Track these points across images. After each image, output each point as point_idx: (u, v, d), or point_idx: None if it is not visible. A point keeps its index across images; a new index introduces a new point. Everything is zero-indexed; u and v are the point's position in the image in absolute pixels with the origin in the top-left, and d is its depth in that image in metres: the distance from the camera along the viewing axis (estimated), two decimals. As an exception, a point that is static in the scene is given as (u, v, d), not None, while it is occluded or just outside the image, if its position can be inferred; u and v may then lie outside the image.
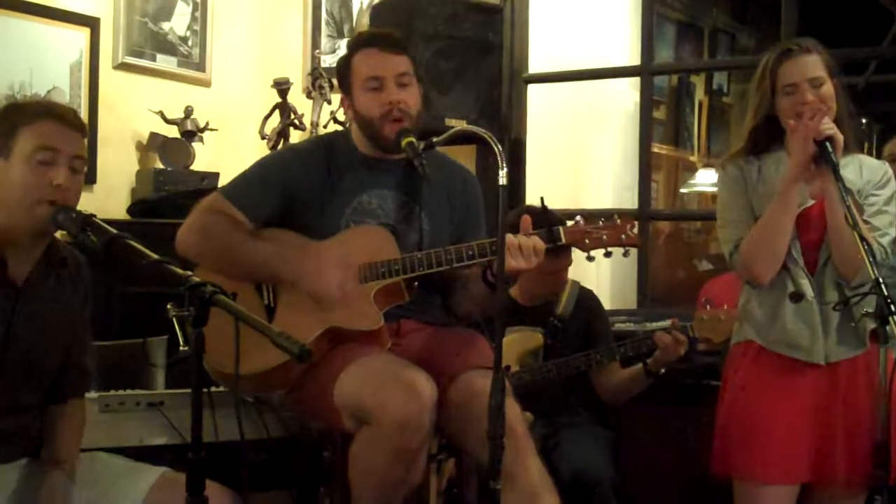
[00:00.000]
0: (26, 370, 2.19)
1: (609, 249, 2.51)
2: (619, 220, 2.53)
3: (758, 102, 2.64)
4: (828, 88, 2.56)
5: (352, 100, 2.69)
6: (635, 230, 2.54)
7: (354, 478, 2.39)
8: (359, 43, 2.73)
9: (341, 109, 4.29)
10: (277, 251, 2.58)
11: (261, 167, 2.74)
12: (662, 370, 3.24)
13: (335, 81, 4.40)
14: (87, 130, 2.27)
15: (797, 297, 2.58)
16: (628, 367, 3.33)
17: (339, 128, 4.24)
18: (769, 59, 2.63)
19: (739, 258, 2.62)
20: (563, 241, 2.49)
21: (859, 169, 2.62)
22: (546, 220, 2.50)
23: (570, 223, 2.55)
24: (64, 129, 2.15)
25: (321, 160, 2.70)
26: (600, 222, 2.52)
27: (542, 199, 2.57)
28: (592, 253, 2.52)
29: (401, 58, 2.65)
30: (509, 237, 2.37)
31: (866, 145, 2.72)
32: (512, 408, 2.30)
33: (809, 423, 2.59)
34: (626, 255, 2.55)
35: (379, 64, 2.63)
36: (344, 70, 2.71)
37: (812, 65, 2.56)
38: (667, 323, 3.37)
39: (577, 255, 2.57)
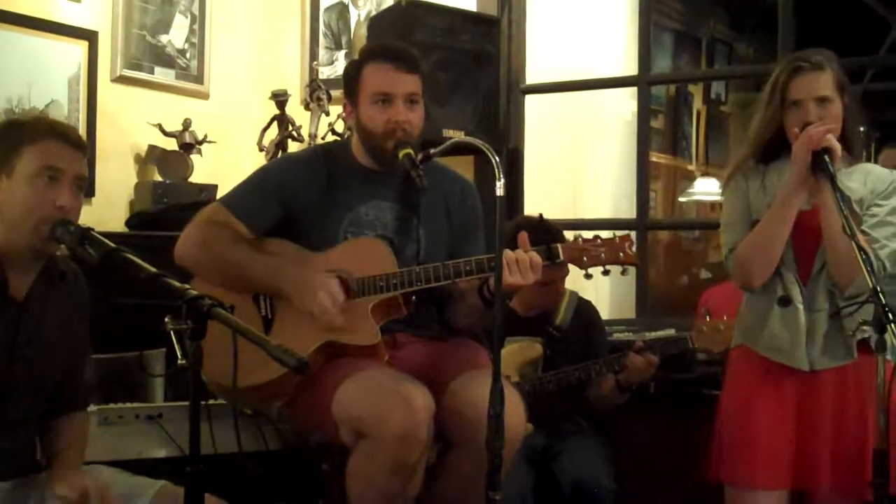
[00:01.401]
0: (28, 386, 2.18)
1: (607, 267, 2.52)
2: (617, 239, 2.53)
3: (768, 117, 2.64)
4: (835, 107, 2.56)
5: (356, 108, 2.68)
6: (633, 248, 2.54)
7: (352, 492, 2.38)
8: (373, 54, 2.71)
9: (339, 121, 4.31)
10: (276, 265, 2.58)
11: (260, 176, 2.75)
12: (635, 386, 3.25)
13: (333, 93, 4.42)
14: (87, 146, 2.27)
15: (785, 301, 2.60)
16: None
17: (338, 139, 4.24)
18: (780, 72, 2.62)
19: (734, 261, 2.65)
20: (562, 258, 2.49)
21: (864, 178, 2.62)
22: (543, 232, 2.51)
23: (568, 238, 2.55)
24: (68, 148, 2.15)
25: (319, 170, 2.70)
26: (598, 240, 2.52)
27: (540, 214, 2.57)
28: (590, 270, 2.52)
29: (413, 77, 2.65)
30: (507, 253, 2.37)
31: (864, 153, 2.73)
32: (515, 413, 2.29)
33: (793, 429, 2.60)
34: (624, 273, 2.55)
35: (391, 81, 2.62)
36: (353, 77, 2.69)
37: (821, 83, 2.56)
38: (667, 332, 3.38)
39: (574, 270, 2.57)
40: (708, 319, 3.14)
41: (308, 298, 2.49)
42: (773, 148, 2.68)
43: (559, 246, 2.50)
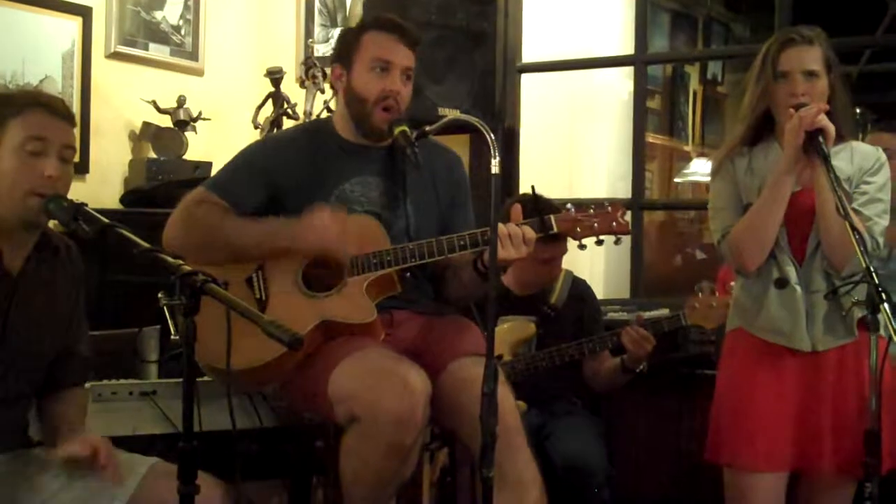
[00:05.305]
0: (21, 361, 2.18)
1: (600, 237, 2.51)
2: (609, 208, 2.53)
3: (759, 90, 2.64)
4: (822, 84, 2.57)
5: (349, 74, 2.65)
6: (626, 217, 2.54)
7: (346, 472, 2.38)
8: (377, 24, 2.68)
9: (334, 99, 4.29)
10: (268, 228, 2.57)
11: (244, 157, 2.72)
12: (640, 367, 3.25)
13: (328, 70, 4.40)
14: (78, 120, 2.27)
15: (782, 283, 2.60)
16: (618, 355, 3.34)
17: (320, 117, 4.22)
18: (771, 44, 2.63)
19: (727, 246, 2.64)
20: (555, 229, 2.49)
21: (850, 156, 2.62)
22: (538, 208, 2.50)
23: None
24: (53, 118, 2.14)
25: (304, 148, 2.68)
26: (591, 210, 2.52)
27: (532, 187, 2.57)
28: (584, 241, 2.52)
29: (412, 53, 2.64)
30: (500, 227, 2.36)
31: (860, 135, 2.74)
32: (505, 398, 2.29)
33: (794, 411, 2.60)
34: (617, 242, 2.55)
35: (392, 50, 2.61)
36: (350, 41, 2.66)
37: (809, 57, 2.57)
38: (661, 312, 3.38)
39: (570, 244, 2.57)
40: (700, 296, 3.15)
41: (312, 228, 2.49)
42: (759, 129, 2.68)
43: (552, 217, 2.49)
